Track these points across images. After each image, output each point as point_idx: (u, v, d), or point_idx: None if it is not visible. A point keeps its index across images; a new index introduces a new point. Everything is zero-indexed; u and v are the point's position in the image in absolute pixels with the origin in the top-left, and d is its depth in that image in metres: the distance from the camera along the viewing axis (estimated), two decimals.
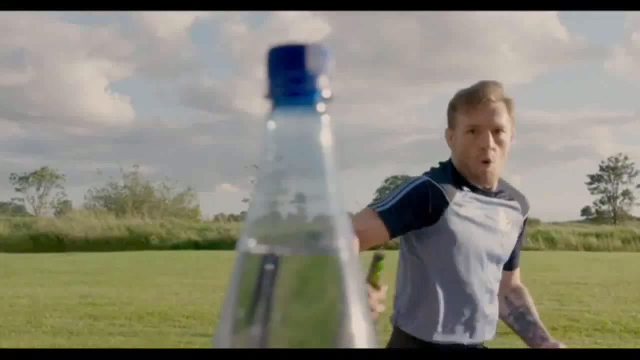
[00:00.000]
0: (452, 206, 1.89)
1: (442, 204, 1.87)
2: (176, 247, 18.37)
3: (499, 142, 1.89)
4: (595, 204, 53.66)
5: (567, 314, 6.62)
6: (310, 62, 0.41)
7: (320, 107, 0.42)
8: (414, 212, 1.88)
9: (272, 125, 0.43)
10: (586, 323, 6.21)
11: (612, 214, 50.98)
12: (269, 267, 0.41)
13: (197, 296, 7.86)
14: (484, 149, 1.88)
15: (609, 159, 52.57)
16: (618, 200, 52.32)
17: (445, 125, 2.01)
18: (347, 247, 0.42)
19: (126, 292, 8.18)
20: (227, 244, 17.86)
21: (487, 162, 1.89)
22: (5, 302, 7.18)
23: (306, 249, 0.41)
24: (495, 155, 1.89)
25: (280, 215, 0.42)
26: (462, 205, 1.91)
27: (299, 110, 0.42)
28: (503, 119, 1.89)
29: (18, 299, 7.44)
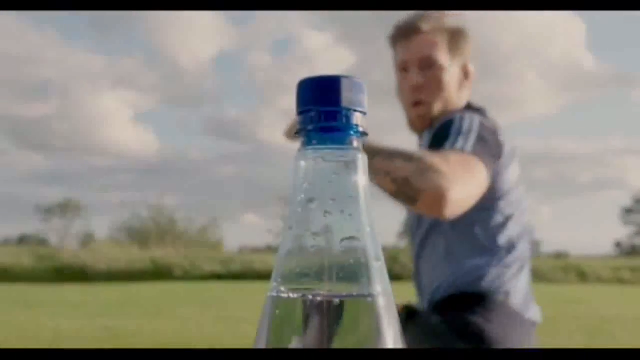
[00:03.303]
0: None
1: None
2: (200, 278, 18.35)
3: (433, 80, 1.53)
4: (629, 237, 52.73)
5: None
6: (345, 96, 0.39)
7: (355, 144, 0.40)
8: None
9: (303, 163, 0.41)
10: None
11: None
12: (301, 312, 0.39)
13: (220, 329, 7.81)
14: (411, 89, 1.55)
15: None
16: None
17: None
18: (383, 292, 0.39)
19: (149, 324, 8.15)
20: (251, 276, 17.80)
21: (416, 104, 1.55)
22: (28, 334, 7.18)
23: (340, 293, 0.39)
24: (429, 95, 1.54)
25: (312, 258, 0.40)
26: None
27: (333, 147, 0.40)
28: (436, 52, 1.53)
29: (41, 331, 7.44)
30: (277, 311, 0.39)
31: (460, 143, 1.34)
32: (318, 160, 0.40)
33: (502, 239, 1.53)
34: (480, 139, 1.38)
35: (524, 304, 1.55)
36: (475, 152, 1.33)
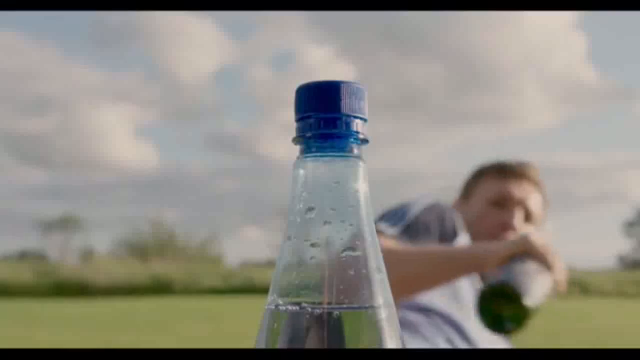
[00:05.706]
0: None
1: None
2: (200, 293, 18.29)
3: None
4: (632, 250, 52.42)
5: None
6: (345, 102, 0.38)
7: (356, 151, 0.39)
8: None
9: (302, 171, 0.39)
10: None
11: None
12: (300, 325, 0.37)
13: (221, 344, 7.76)
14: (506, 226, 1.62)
15: None
16: None
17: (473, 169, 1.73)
18: (385, 304, 0.38)
19: (149, 339, 8.11)
20: (251, 290, 17.73)
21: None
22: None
23: (340, 306, 0.38)
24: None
25: (311, 269, 0.38)
26: None
27: (333, 154, 0.38)
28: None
29: (40, 346, 7.40)
30: (275, 325, 0.38)
31: None
32: (317, 168, 0.39)
33: None
34: None
35: None
36: None
